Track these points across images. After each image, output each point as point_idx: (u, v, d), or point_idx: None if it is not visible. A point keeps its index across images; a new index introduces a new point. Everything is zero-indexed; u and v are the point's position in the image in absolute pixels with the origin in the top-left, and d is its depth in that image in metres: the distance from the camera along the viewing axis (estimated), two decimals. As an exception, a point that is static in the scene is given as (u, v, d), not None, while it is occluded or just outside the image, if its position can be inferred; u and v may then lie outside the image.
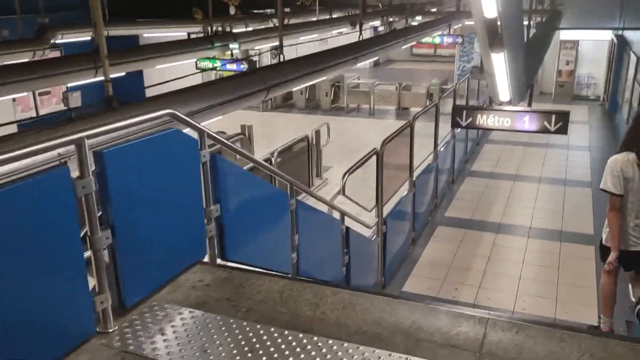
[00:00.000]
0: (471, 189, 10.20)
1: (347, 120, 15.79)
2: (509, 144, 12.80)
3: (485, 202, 9.58)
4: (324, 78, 7.41)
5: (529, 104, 5.90)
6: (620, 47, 13.84)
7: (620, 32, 14.56)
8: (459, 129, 10.24)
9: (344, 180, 5.13)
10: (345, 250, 5.40)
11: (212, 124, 15.33)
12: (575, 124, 14.53)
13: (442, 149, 9.46)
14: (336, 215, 5.28)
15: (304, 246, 4.38)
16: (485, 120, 6.06)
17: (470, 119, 6.13)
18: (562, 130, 5.81)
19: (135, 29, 9.95)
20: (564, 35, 17.12)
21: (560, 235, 8.19)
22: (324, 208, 5.64)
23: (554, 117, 5.78)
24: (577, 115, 15.50)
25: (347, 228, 5.35)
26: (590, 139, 13.28)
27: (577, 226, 8.43)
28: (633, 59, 11.20)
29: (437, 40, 13.98)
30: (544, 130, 5.85)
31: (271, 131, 14.00)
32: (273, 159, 8.78)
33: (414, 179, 7.88)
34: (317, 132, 10.66)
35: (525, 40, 4.60)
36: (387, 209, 6.86)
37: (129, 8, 12.85)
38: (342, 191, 5.09)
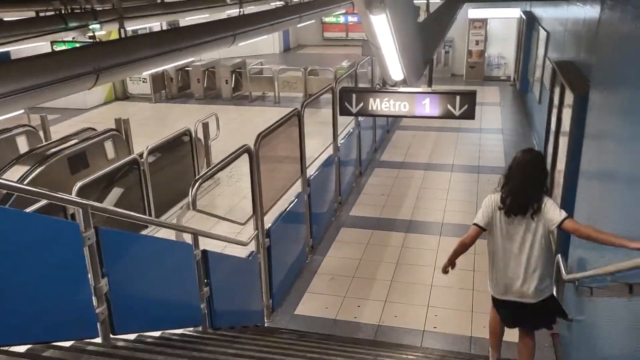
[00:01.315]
0: (380, 182, 9.21)
1: (249, 110, 14.43)
2: (421, 129, 11.97)
3: (395, 196, 8.61)
4: (190, 60, 6.06)
5: (429, 84, 4.86)
6: (529, 24, 13.36)
7: (528, 7, 14.10)
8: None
9: (193, 190, 3.85)
10: (205, 281, 4.14)
11: (87, 118, 13.44)
12: (487, 105, 13.99)
13: (344, 140, 8.38)
14: (188, 238, 4.01)
15: (124, 291, 3.10)
16: (379, 105, 4.96)
17: (362, 104, 5.01)
18: (469, 114, 4.82)
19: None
20: (473, 14, 16.59)
21: (475, 231, 7.33)
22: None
23: (458, 98, 4.77)
24: (488, 97, 15.01)
25: (205, 252, 4.09)
26: (503, 121, 12.71)
27: (492, 219, 7.61)
28: (543, 35, 10.61)
29: (342, 19, 12.88)
30: (448, 115, 4.83)
31: (162, 125, 12.41)
32: (143, 160, 7.32)
33: (309, 176, 6.74)
34: (205, 125, 9.27)
35: (414, 4, 3.49)
36: (273, 216, 5.68)
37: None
38: (192, 205, 3.81)
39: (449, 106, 4.80)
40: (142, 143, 8.15)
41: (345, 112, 5.08)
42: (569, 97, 5.97)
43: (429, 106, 4.84)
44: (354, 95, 5.00)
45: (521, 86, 14.34)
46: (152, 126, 12.95)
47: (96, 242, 2.87)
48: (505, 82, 16.66)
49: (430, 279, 6.22)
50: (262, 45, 22.50)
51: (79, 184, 6.19)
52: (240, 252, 5.03)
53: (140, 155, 7.45)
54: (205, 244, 4.19)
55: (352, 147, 8.92)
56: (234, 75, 15.37)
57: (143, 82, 15.17)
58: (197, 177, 3.95)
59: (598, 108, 4.52)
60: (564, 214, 3.56)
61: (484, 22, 16.76)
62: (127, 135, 9.31)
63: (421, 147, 10.95)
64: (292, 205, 6.10)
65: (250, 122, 13.14)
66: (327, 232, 7.40)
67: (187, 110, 14.49)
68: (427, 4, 6.35)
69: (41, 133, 9.92)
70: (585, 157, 4.77)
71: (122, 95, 15.78)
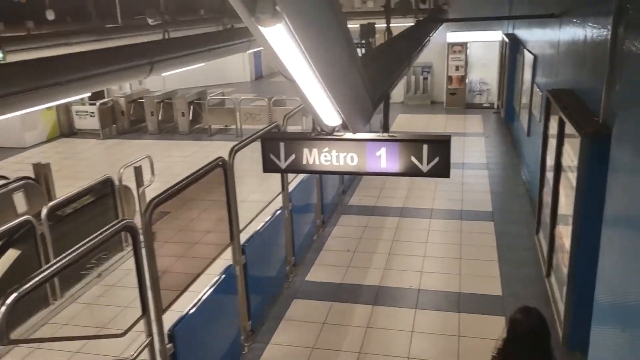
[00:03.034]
0: (346, 233, 7.75)
1: (208, 145, 12.98)
2: (396, 165, 10.57)
3: (363, 252, 7.14)
4: (73, 99, 4.64)
5: (385, 129, 3.45)
6: (513, 47, 12.17)
7: (511, 30, 12.94)
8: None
9: (1, 312, 2.35)
10: None
11: (25, 158, 11.72)
12: (470, 136, 12.72)
13: (301, 183, 6.96)
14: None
15: None
16: (317, 157, 3.54)
17: (293, 156, 3.58)
18: (441, 170, 3.44)
19: None
20: (451, 37, 15.44)
21: (459, 302, 5.89)
22: None
23: (426, 148, 3.37)
24: (471, 127, 13.77)
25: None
26: (487, 154, 11.38)
27: (479, 285, 6.18)
28: (529, 58, 9.38)
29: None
30: (412, 172, 3.43)
31: (103, 167, 10.87)
32: (42, 221, 5.82)
33: (246, 241, 5.28)
34: (138, 170, 7.77)
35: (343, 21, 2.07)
36: (185, 305, 4.18)
37: None
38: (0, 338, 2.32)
39: (413, 159, 3.40)
40: (65, 190, 6.65)
41: (270, 167, 3.64)
42: (571, 130, 4.64)
43: (385, 159, 3.43)
44: (281, 145, 3.57)
45: (506, 115, 13.09)
46: (89, 167, 11.43)
47: None
48: (489, 110, 15.45)
49: (402, 377, 4.74)
50: (231, 73, 21.22)
51: None
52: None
53: (38, 214, 5.96)
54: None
55: (311, 192, 7.49)
56: (191, 106, 13.95)
57: (91, 116, 13.69)
58: (10, 290, 2.45)
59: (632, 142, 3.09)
60: None
61: (463, 46, 15.62)
62: (48, 183, 7.81)
63: (396, 186, 9.53)
64: (215, 286, 4.60)
65: (207, 159, 11.66)
66: (274, 306, 5.90)
67: (139, 146, 12.98)
68: (387, 27, 5.00)
69: (-52, 181, 8.38)
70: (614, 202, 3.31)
71: (69, 131, 14.24)
